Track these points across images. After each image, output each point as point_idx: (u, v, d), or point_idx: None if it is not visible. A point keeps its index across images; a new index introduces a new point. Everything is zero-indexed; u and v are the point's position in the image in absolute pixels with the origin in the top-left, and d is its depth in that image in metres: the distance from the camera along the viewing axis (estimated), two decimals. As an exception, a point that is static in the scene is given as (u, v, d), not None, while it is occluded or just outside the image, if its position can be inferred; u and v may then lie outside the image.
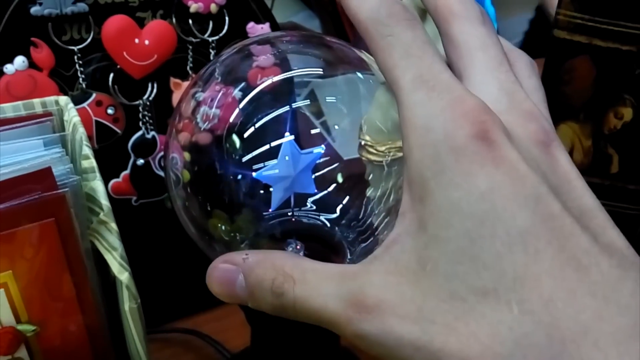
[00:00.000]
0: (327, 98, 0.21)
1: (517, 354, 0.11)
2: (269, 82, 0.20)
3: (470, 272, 0.12)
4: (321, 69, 0.21)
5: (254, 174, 0.19)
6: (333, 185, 0.21)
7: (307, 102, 0.20)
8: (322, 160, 0.19)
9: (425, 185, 0.13)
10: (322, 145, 0.19)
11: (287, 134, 0.19)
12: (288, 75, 0.20)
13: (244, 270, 0.16)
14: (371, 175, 0.21)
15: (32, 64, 0.33)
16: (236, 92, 0.20)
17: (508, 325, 0.12)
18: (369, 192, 0.21)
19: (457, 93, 0.13)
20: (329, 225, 0.21)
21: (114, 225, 0.22)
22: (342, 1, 0.16)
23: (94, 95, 0.35)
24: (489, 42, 0.15)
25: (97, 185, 0.22)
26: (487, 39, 0.15)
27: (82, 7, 0.33)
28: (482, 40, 0.15)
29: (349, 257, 0.21)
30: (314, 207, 0.21)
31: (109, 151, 0.36)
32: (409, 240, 0.13)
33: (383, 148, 0.20)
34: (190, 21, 0.36)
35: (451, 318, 0.12)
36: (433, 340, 0.12)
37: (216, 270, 0.16)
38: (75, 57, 0.34)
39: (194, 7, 0.36)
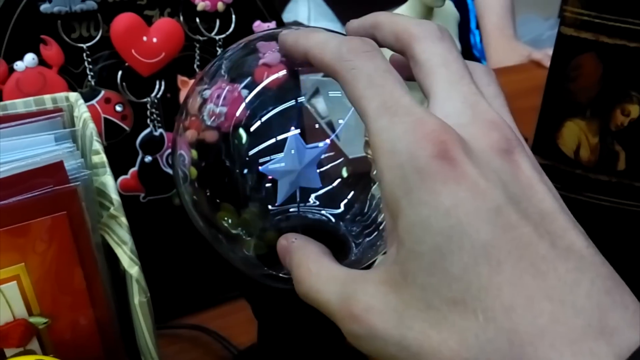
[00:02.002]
0: (331, 95, 0.21)
1: (482, 358, 0.12)
2: (274, 78, 0.20)
3: (442, 284, 0.13)
4: None
5: (260, 167, 0.19)
6: (338, 181, 0.21)
7: (313, 98, 0.20)
8: (326, 155, 0.20)
9: (397, 204, 0.14)
10: (327, 140, 0.19)
11: (292, 128, 0.19)
12: (293, 73, 0.21)
13: (290, 250, 0.18)
14: (376, 172, 0.21)
15: (41, 61, 0.33)
16: (242, 89, 0.21)
17: (474, 333, 0.13)
18: (374, 189, 0.21)
19: (417, 115, 0.14)
20: (333, 220, 0.21)
21: (124, 220, 0.22)
22: (305, 54, 0.17)
23: (102, 92, 0.35)
24: (450, 58, 0.16)
25: (108, 180, 0.22)
26: (447, 54, 0.16)
27: (91, 4, 0.33)
28: (443, 56, 0.16)
29: (354, 250, 0.21)
30: (319, 202, 0.21)
31: (117, 148, 0.36)
32: (394, 254, 0.14)
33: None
34: (197, 19, 0.37)
35: (426, 326, 0.13)
36: (411, 345, 0.14)
37: (278, 243, 0.19)
38: (84, 54, 0.34)
39: (201, 5, 0.36)
